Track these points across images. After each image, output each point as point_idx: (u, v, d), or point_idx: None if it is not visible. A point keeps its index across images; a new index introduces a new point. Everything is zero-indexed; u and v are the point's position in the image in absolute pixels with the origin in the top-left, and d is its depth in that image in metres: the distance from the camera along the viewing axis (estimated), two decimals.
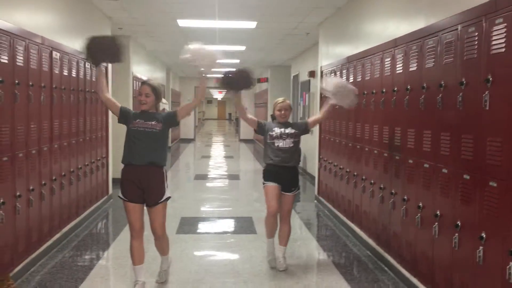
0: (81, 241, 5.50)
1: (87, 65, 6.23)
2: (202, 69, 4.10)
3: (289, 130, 4.58)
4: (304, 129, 4.69)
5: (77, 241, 5.47)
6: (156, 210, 3.86)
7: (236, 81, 4.40)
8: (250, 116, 4.73)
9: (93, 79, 6.51)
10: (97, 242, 5.65)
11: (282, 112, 4.63)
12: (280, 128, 4.59)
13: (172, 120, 3.98)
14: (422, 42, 3.94)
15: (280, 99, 4.73)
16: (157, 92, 3.93)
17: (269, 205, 4.51)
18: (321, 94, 7.71)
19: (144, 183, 3.80)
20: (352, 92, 4.69)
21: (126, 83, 9.30)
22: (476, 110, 3.10)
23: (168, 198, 3.91)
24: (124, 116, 3.95)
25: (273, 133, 4.56)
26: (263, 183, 4.59)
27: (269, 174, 4.56)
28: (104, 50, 3.88)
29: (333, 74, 6.93)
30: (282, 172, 4.53)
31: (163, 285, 4.15)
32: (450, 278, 3.42)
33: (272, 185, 4.52)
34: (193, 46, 4.04)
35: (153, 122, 3.85)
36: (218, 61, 4.05)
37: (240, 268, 4.64)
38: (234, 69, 4.46)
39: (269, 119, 4.95)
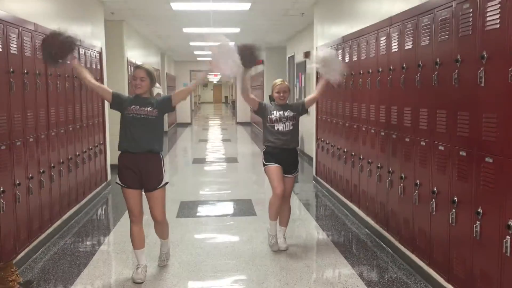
0: (82, 228, 5.54)
1: (81, 51, 6.20)
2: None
3: (288, 113, 4.56)
4: (302, 109, 4.68)
5: (78, 228, 5.51)
6: (155, 196, 3.89)
7: (243, 58, 4.18)
8: (252, 96, 4.70)
9: (88, 65, 6.48)
10: (97, 228, 5.70)
11: (281, 94, 4.60)
12: (279, 111, 4.57)
13: (167, 105, 3.94)
14: (417, 19, 3.93)
15: (279, 81, 4.69)
16: (151, 76, 3.90)
17: (275, 187, 4.48)
18: (317, 74, 7.69)
19: (142, 170, 3.81)
20: (339, 65, 4.68)
21: (121, 68, 9.25)
22: (471, 86, 3.12)
23: (166, 183, 3.93)
24: (117, 101, 3.91)
25: (273, 116, 4.54)
26: (264, 165, 4.58)
27: (270, 156, 4.56)
28: (54, 50, 3.86)
29: None
30: (283, 154, 4.54)
31: (165, 268, 4.20)
32: (448, 253, 3.48)
33: (275, 166, 4.51)
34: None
35: (148, 109, 3.83)
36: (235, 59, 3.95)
37: (241, 250, 4.69)
38: (241, 45, 4.32)
39: (266, 100, 4.93)
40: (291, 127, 4.56)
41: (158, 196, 3.89)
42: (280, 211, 4.63)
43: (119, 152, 3.90)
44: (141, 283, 3.85)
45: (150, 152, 3.83)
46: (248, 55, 4.29)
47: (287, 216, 4.70)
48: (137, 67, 3.97)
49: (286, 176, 4.58)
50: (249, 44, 4.38)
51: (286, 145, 4.54)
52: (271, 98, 4.70)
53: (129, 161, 3.82)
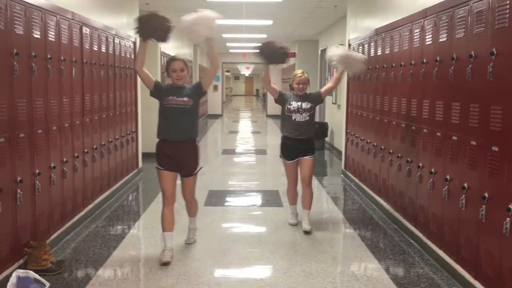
0: (113, 212, 5.69)
1: (116, 40, 6.33)
2: (204, 34, 4.04)
3: (305, 105, 4.82)
4: (318, 100, 4.93)
5: (109, 212, 5.66)
6: (189, 181, 4.21)
7: (269, 54, 4.62)
8: (273, 85, 4.95)
9: (122, 55, 6.62)
10: (128, 213, 5.84)
11: (300, 86, 4.87)
12: (298, 101, 4.82)
13: (199, 91, 4.17)
14: (452, 12, 3.85)
15: (299, 72, 4.93)
16: (187, 66, 4.13)
17: (290, 178, 5.01)
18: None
19: (179, 157, 4.06)
20: (358, 60, 4.83)
21: (154, 59, 9.38)
22: (506, 80, 3.04)
23: (200, 168, 4.24)
24: (157, 90, 4.13)
25: (291, 106, 4.82)
26: (281, 157, 4.99)
27: (285, 149, 4.90)
28: (154, 27, 3.95)
29: (361, 47, 6.83)
30: (298, 145, 4.84)
31: (191, 253, 4.27)
32: (477, 250, 3.42)
33: (290, 162, 4.91)
34: (187, 17, 4.01)
35: (185, 99, 4.04)
36: (216, 21, 4.00)
37: (267, 239, 4.73)
38: (270, 42, 4.66)
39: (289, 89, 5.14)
40: (308, 118, 4.82)
41: (191, 181, 4.22)
42: (302, 195, 4.98)
43: (158, 139, 4.13)
44: (167, 264, 3.99)
45: (188, 140, 4.08)
46: (269, 53, 4.59)
47: (310, 199, 4.95)
48: (174, 59, 4.10)
49: (304, 159, 4.86)
50: (271, 43, 4.63)
51: (301, 136, 4.82)
52: (291, 87, 4.94)
53: (168, 148, 4.06)
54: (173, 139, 4.04)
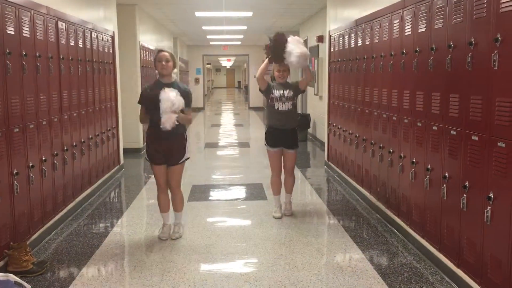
0: (95, 210, 5.62)
1: (94, 35, 6.22)
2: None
3: (287, 93, 4.96)
4: (297, 89, 5.05)
5: (91, 210, 5.59)
6: (175, 169, 4.43)
7: (277, 52, 4.84)
8: (265, 77, 5.10)
9: (100, 49, 6.51)
10: (110, 211, 5.77)
11: (281, 73, 5.02)
12: (279, 90, 4.97)
13: (186, 100, 4.30)
14: (431, 2, 3.86)
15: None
16: (174, 59, 4.36)
17: (273, 168, 5.17)
18: (329, 59, 7.63)
19: (167, 149, 4.33)
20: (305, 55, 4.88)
21: (133, 52, 9.27)
22: (485, 70, 3.06)
23: (187, 158, 4.48)
24: (145, 101, 4.36)
25: (273, 95, 4.96)
26: (265, 145, 5.14)
27: (270, 138, 5.06)
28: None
29: (341, 38, 6.83)
30: (282, 135, 5.01)
31: (176, 250, 4.25)
32: (458, 239, 3.46)
33: (273, 150, 5.08)
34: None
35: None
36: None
37: (251, 233, 4.72)
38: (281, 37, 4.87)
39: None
40: (291, 107, 4.98)
41: (176, 169, 4.45)
42: (285, 182, 5.23)
43: (147, 134, 4.41)
44: (165, 240, 4.46)
45: (175, 134, 4.29)
46: (278, 51, 4.82)
47: (291, 185, 5.21)
48: (160, 51, 4.36)
49: (287, 151, 5.06)
50: (282, 37, 4.86)
51: (285, 126, 4.99)
52: (273, 78, 5.11)
53: (157, 142, 4.31)
54: (162, 134, 4.23)
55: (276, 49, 4.80)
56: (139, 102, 4.37)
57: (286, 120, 4.99)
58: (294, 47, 4.75)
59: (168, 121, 4.08)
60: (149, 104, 4.23)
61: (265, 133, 5.17)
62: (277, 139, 5.03)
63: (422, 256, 4.07)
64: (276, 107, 4.97)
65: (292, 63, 4.80)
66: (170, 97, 4.06)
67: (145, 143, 4.42)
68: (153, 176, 4.67)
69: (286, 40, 4.79)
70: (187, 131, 4.49)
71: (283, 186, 5.31)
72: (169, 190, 4.55)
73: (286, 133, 5.03)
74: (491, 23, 2.99)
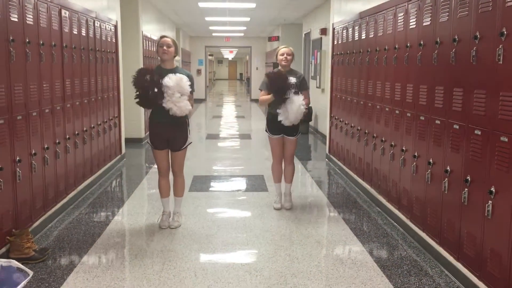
0: (97, 199, 5.63)
1: (97, 23, 6.20)
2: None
3: (291, 79, 4.82)
4: (303, 83, 4.93)
5: (92, 199, 5.61)
6: (178, 154, 4.48)
7: (278, 88, 4.74)
8: (265, 96, 4.93)
9: (103, 38, 6.49)
10: (111, 200, 5.79)
11: (284, 56, 4.87)
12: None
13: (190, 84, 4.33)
14: None
15: (282, 46, 5.01)
16: (176, 45, 4.36)
17: (274, 154, 5.14)
18: (332, 52, 7.61)
19: (170, 135, 4.37)
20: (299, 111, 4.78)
21: (136, 42, 9.25)
22: (490, 64, 3.06)
23: (190, 143, 4.50)
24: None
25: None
26: (266, 131, 5.09)
27: (272, 125, 4.98)
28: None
29: (345, 31, 6.81)
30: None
31: (177, 239, 4.27)
32: (459, 232, 3.47)
33: (275, 137, 5.02)
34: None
35: None
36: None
37: (252, 224, 4.74)
38: (280, 75, 4.76)
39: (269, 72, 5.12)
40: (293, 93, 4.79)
41: (180, 155, 4.49)
42: (285, 171, 5.18)
43: (150, 120, 4.41)
44: (165, 228, 4.49)
45: (178, 120, 4.31)
46: (278, 86, 4.73)
47: (291, 174, 5.16)
48: (163, 36, 4.38)
49: (288, 138, 5.01)
50: (281, 75, 4.75)
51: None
52: (275, 65, 5.02)
53: (160, 128, 4.35)
54: (164, 120, 4.29)
55: (277, 87, 4.71)
56: (134, 84, 4.13)
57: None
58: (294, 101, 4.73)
59: (181, 108, 4.14)
60: (151, 88, 4.11)
61: (266, 119, 5.11)
62: (279, 126, 4.91)
63: (422, 250, 4.09)
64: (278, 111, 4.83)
65: (292, 109, 4.72)
66: (179, 83, 4.12)
67: (147, 131, 4.38)
68: (154, 165, 4.68)
69: (286, 78, 4.71)
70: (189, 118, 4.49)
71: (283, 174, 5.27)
72: (171, 174, 4.57)
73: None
74: (496, 17, 2.98)
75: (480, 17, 3.19)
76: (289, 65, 4.93)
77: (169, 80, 4.12)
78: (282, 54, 4.87)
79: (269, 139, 5.12)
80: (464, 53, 3.38)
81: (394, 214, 4.80)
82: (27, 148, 4.14)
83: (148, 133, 4.53)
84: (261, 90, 5.00)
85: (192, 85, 4.31)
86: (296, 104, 4.72)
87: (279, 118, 4.80)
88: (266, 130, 5.13)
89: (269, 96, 4.83)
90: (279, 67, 4.94)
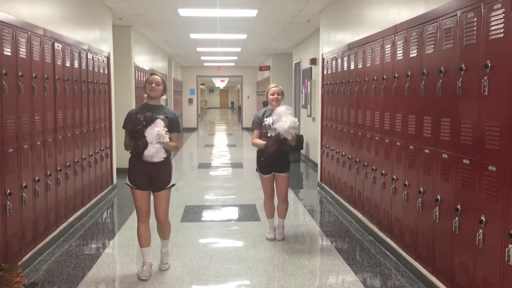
0: (87, 231, 5.58)
1: (89, 55, 6.27)
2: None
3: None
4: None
5: (83, 231, 5.55)
6: (160, 196, 4.09)
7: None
8: (257, 140, 4.90)
9: (95, 70, 6.55)
10: (102, 231, 5.73)
11: (275, 96, 4.88)
12: (272, 116, 4.76)
13: (176, 126, 4.11)
14: (422, 28, 3.95)
15: (273, 85, 5.00)
16: (165, 84, 4.16)
17: (266, 192, 5.08)
18: (322, 81, 7.72)
19: (153, 173, 4.02)
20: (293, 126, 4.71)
21: (128, 72, 9.32)
22: (475, 95, 3.13)
23: (173, 185, 4.14)
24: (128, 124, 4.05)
25: (265, 121, 4.80)
26: (257, 171, 5.04)
27: (261, 165, 4.95)
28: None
29: (334, 61, 6.93)
30: (274, 160, 4.85)
31: (169, 271, 4.22)
32: (451, 261, 3.48)
33: (266, 176, 4.98)
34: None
35: (162, 116, 3.97)
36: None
37: (244, 255, 4.71)
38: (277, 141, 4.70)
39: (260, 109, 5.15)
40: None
41: (163, 196, 4.09)
42: (278, 207, 5.12)
43: (130, 155, 4.07)
44: (146, 280, 4.02)
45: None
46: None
47: (284, 211, 5.10)
48: (152, 74, 4.21)
49: (279, 175, 4.96)
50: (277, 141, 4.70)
51: (277, 153, 4.76)
52: (265, 103, 4.98)
53: (142, 165, 3.99)
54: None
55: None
56: (123, 127, 4.07)
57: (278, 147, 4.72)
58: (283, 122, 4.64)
59: (156, 154, 3.88)
60: (134, 127, 3.92)
61: (257, 158, 4.98)
62: (269, 165, 4.89)
63: (415, 279, 4.08)
64: (268, 135, 4.76)
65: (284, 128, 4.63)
66: (155, 131, 3.85)
67: (128, 166, 4.12)
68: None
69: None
70: (180, 152, 4.39)
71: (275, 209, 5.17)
72: (156, 221, 4.23)
73: (277, 157, 4.82)
74: (481, 49, 3.07)
75: (464, 49, 3.28)
76: (279, 104, 4.86)
77: (150, 135, 3.86)
78: (273, 94, 4.86)
79: (261, 178, 5.05)
80: (450, 84, 3.46)
81: (386, 242, 4.80)
82: (18, 180, 4.12)
83: (127, 171, 4.14)
84: (253, 129, 4.93)
85: (178, 126, 4.11)
86: (284, 118, 4.60)
87: (277, 129, 4.62)
88: (256, 170, 5.03)
89: (262, 142, 4.78)
90: (269, 106, 4.92)
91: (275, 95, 4.87)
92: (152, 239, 4.19)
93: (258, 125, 4.87)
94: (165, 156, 3.95)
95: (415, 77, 4.07)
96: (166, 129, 3.90)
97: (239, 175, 10.02)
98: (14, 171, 4.05)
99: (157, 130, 3.85)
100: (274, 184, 5.06)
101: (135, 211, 4.25)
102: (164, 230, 4.26)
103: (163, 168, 4.04)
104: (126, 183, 4.13)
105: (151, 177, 4.04)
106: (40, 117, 4.60)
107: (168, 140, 3.90)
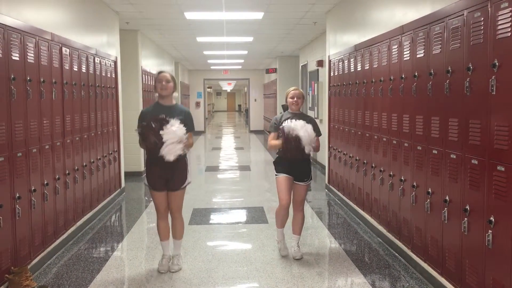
0: (96, 234, 5.60)
1: (97, 60, 6.31)
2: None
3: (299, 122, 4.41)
4: (316, 128, 4.48)
5: (92, 234, 5.58)
6: (176, 194, 4.26)
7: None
8: (273, 141, 4.61)
9: (103, 74, 6.59)
10: (111, 234, 5.75)
11: (295, 99, 4.58)
12: (292, 119, 4.50)
13: (190, 124, 4.19)
14: (428, 28, 3.94)
15: (293, 88, 4.71)
16: (174, 81, 4.21)
17: (281, 198, 4.53)
18: (329, 83, 7.71)
19: (169, 174, 4.15)
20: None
21: (135, 77, 9.37)
22: (483, 95, 3.11)
23: (189, 183, 4.32)
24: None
25: (283, 125, 4.45)
26: (276, 175, 4.60)
27: (281, 166, 4.55)
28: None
29: (341, 63, 6.92)
30: (293, 164, 4.49)
31: (177, 274, 4.23)
32: (460, 262, 3.45)
33: (284, 176, 4.51)
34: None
35: (181, 117, 4.06)
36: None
37: (252, 257, 4.70)
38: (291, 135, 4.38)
39: (278, 112, 5.01)
40: None
41: (179, 195, 4.29)
42: (293, 219, 4.68)
43: (147, 160, 4.18)
44: (164, 273, 4.25)
45: (177, 159, 4.01)
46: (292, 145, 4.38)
47: (300, 225, 4.67)
48: (161, 72, 4.21)
49: (298, 184, 4.56)
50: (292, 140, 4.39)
51: (295, 157, 4.42)
52: (285, 107, 4.71)
53: (158, 166, 4.08)
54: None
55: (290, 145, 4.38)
56: (138, 128, 4.06)
57: (295, 152, 4.37)
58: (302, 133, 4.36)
59: (171, 152, 3.90)
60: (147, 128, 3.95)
61: (274, 162, 4.63)
62: (289, 167, 4.50)
63: (424, 281, 4.05)
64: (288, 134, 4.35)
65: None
66: (173, 131, 3.89)
67: (145, 168, 4.18)
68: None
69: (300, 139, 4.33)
70: (188, 155, 4.38)
71: (289, 221, 4.74)
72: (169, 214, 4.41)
73: (298, 162, 4.49)
74: (488, 49, 3.05)
75: (472, 49, 3.26)
76: (299, 108, 4.63)
77: (167, 135, 3.91)
78: (292, 97, 4.57)
79: (277, 179, 4.58)
80: (458, 84, 3.44)
81: (395, 244, 4.77)
82: (27, 184, 4.15)
83: (145, 171, 4.26)
84: (269, 132, 4.68)
85: (191, 123, 4.17)
86: (301, 130, 4.34)
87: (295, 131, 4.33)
88: (275, 174, 4.61)
89: (278, 142, 4.48)
90: (288, 109, 4.66)
91: (295, 98, 4.57)
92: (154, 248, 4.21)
93: (275, 128, 4.61)
94: (181, 153, 3.99)
95: (422, 77, 4.05)
96: (185, 129, 3.99)
97: (246, 177, 10.02)
98: (23, 175, 4.08)
99: (174, 131, 3.90)
100: (291, 190, 4.61)
101: (143, 214, 4.28)
102: (177, 227, 4.37)
103: (178, 171, 4.17)
104: (144, 183, 4.32)
105: (167, 179, 4.17)
106: (48, 121, 4.63)
107: (185, 139, 4.00)
